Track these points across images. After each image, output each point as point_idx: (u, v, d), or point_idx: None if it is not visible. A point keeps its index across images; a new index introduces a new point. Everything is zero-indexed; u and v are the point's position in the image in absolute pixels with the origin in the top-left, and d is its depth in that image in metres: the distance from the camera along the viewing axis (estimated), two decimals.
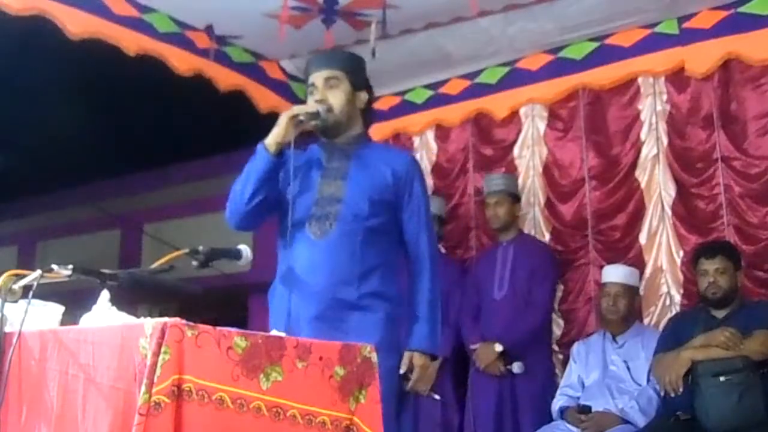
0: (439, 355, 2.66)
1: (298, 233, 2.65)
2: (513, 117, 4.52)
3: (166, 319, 1.59)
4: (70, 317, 2.23)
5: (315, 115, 2.63)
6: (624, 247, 4.07)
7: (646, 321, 3.95)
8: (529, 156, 4.45)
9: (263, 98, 4.48)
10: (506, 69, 4.48)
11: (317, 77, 2.71)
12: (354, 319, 2.56)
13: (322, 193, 2.67)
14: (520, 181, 4.41)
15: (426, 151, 4.82)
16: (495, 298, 4.09)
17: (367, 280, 2.60)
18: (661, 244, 3.98)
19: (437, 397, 4.10)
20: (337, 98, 2.69)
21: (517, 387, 3.96)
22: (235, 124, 5.44)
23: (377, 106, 4.32)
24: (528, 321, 3.99)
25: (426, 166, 4.71)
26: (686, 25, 3.93)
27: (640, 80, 4.12)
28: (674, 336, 3.47)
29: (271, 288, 2.71)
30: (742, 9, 3.77)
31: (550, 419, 3.82)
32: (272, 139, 2.59)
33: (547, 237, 4.34)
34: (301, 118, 2.59)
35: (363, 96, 2.77)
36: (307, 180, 2.71)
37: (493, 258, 4.22)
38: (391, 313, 2.62)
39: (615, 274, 3.88)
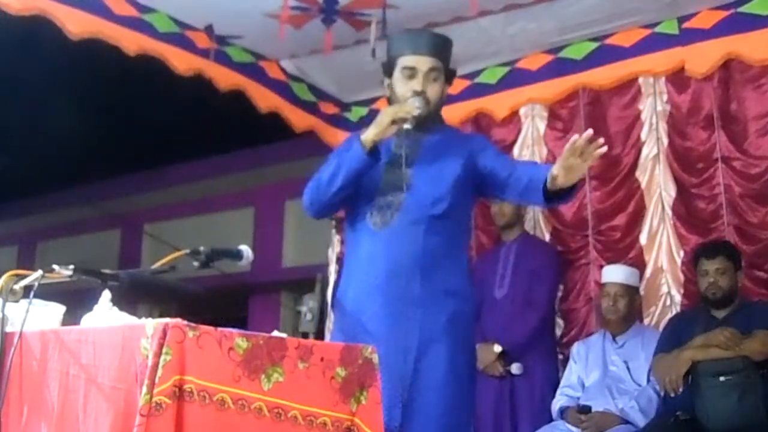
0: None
1: (360, 224, 2.58)
2: (513, 117, 4.51)
3: (167, 319, 1.59)
4: (71, 317, 2.23)
5: (416, 118, 2.49)
6: (624, 247, 4.06)
7: (646, 321, 3.95)
8: (529, 156, 4.44)
9: (263, 98, 4.48)
10: (506, 69, 4.47)
11: (421, 63, 2.55)
12: (418, 317, 2.45)
13: (386, 182, 2.56)
14: None
15: None
16: (495, 297, 4.08)
17: (431, 273, 2.48)
18: (662, 244, 3.98)
19: None
20: (435, 93, 2.58)
21: (516, 388, 3.94)
22: (235, 124, 5.45)
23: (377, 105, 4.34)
24: (528, 321, 3.97)
25: None
26: (686, 25, 3.93)
27: (640, 80, 4.12)
28: (674, 336, 3.47)
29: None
30: (742, 9, 3.77)
31: (550, 419, 3.81)
32: (371, 136, 2.46)
33: (547, 237, 4.34)
34: (407, 126, 2.46)
35: (447, 87, 2.68)
36: (375, 169, 2.58)
37: (495, 257, 4.21)
38: (458, 310, 2.50)
39: (615, 274, 3.88)
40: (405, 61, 2.57)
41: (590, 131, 2.20)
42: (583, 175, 2.35)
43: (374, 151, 2.48)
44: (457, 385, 2.46)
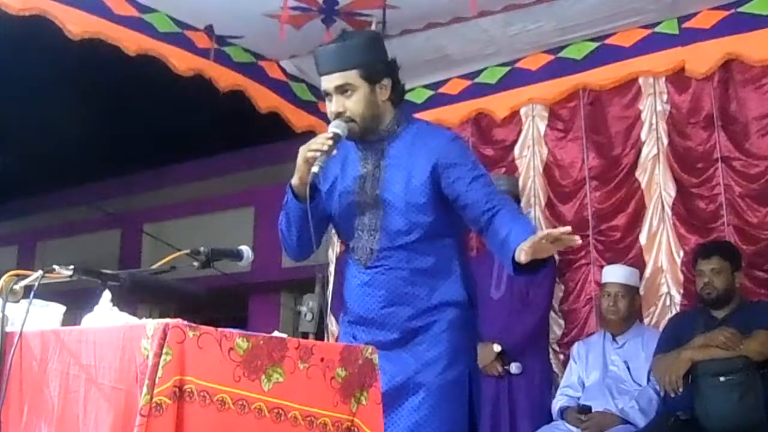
0: None
1: (348, 255, 2.57)
2: (513, 117, 4.51)
3: (167, 320, 1.59)
4: (71, 317, 2.23)
5: (333, 145, 2.35)
6: (624, 248, 4.07)
7: (646, 321, 3.95)
8: (529, 156, 4.45)
9: (263, 98, 4.48)
10: (506, 69, 4.47)
11: (328, 83, 2.43)
12: (415, 339, 2.44)
13: (362, 214, 2.49)
14: (520, 181, 4.42)
15: None
16: (492, 298, 4.09)
17: (423, 294, 2.44)
18: (662, 244, 3.98)
19: None
20: (356, 106, 2.41)
21: (513, 387, 3.95)
22: (235, 124, 5.46)
23: None
24: (526, 321, 3.99)
25: None
26: (686, 25, 3.93)
27: (640, 80, 4.12)
28: (674, 336, 3.48)
29: None
30: (742, 9, 3.77)
31: (549, 419, 3.82)
32: (296, 182, 2.39)
33: None
34: (315, 170, 2.31)
35: (385, 83, 2.46)
36: (347, 194, 2.51)
37: (489, 258, 4.20)
38: (455, 318, 2.45)
39: (615, 274, 3.88)
40: (321, 82, 2.47)
41: (568, 228, 2.13)
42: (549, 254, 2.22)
43: (310, 192, 2.36)
44: (456, 393, 2.44)
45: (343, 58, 2.43)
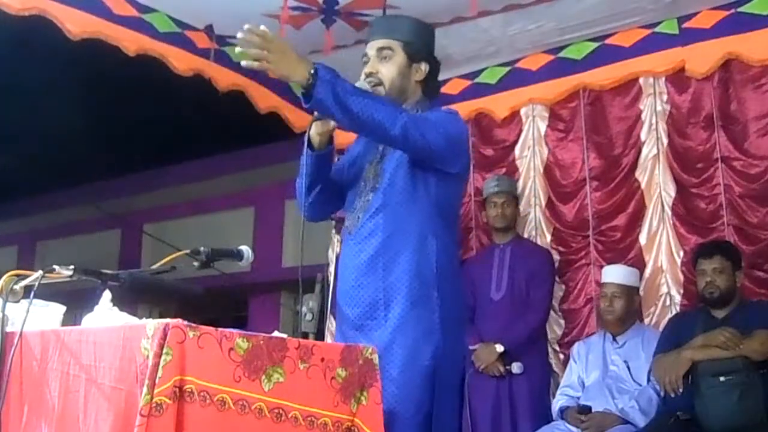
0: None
1: (344, 228, 2.58)
2: (514, 117, 4.52)
3: (167, 320, 1.59)
4: (71, 317, 2.24)
5: None
6: (624, 248, 4.07)
7: (646, 321, 3.95)
8: (530, 156, 4.45)
9: (263, 98, 4.48)
10: (506, 69, 4.48)
11: (370, 46, 2.52)
12: (375, 316, 2.39)
13: (366, 182, 2.51)
14: (520, 181, 4.43)
15: None
16: (493, 299, 4.09)
17: (393, 269, 2.39)
18: (661, 244, 3.99)
19: None
20: (388, 71, 2.48)
21: (514, 387, 3.96)
22: (235, 124, 5.45)
23: None
24: (528, 322, 3.99)
25: None
26: (686, 25, 3.93)
27: (640, 80, 4.12)
28: (674, 336, 3.48)
29: None
30: (742, 9, 3.78)
31: (549, 419, 3.82)
32: (311, 129, 2.43)
33: (548, 237, 4.34)
34: (317, 114, 2.36)
35: (422, 67, 2.55)
36: (359, 167, 2.55)
37: (489, 259, 4.21)
38: (420, 297, 2.38)
39: (613, 274, 3.88)
40: (365, 48, 2.55)
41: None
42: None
43: (323, 144, 2.45)
44: (424, 380, 2.35)
45: (393, 27, 2.57)
